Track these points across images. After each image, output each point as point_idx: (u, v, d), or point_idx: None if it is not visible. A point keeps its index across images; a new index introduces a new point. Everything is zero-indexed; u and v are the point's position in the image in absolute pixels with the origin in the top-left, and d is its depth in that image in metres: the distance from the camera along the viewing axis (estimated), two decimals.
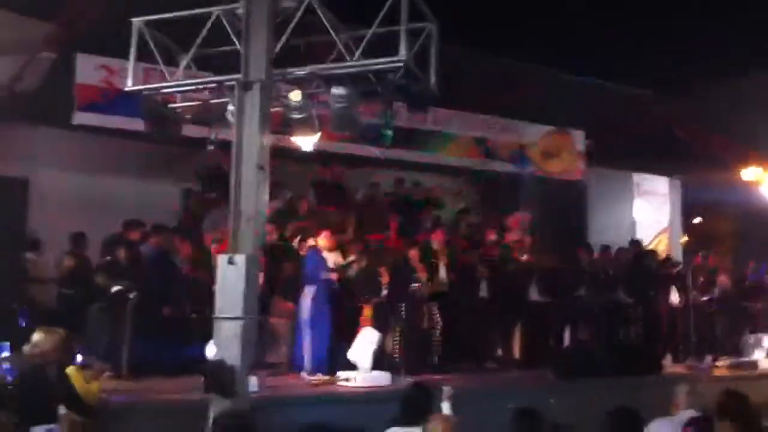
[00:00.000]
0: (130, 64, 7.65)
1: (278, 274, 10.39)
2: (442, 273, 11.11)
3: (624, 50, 12.47)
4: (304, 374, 9.65)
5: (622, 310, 12.98)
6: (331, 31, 7.00)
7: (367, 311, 10.79)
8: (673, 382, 6.99)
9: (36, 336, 6.39)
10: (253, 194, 6.63)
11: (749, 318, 14.23)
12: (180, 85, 7.48)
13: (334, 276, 10.19)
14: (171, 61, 7.78)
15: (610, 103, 14.14)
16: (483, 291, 11.77)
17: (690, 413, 5.38)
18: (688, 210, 17.99)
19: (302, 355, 9.89)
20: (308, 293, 9.90)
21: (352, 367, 9.42)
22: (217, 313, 6.63)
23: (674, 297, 13.58)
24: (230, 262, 6.51)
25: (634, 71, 13.30)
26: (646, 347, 12.69)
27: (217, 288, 6.68)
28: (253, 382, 7.46)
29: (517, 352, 12.23)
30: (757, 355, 13.09)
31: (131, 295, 9.13)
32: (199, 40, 7.35)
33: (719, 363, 13.13)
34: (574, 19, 12.12)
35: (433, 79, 7.18)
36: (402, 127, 12.00)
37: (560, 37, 12.33)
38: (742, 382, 9.84)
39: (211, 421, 5.93)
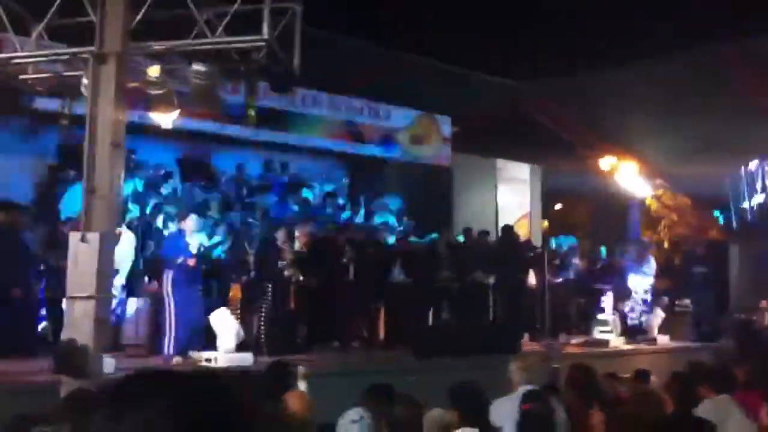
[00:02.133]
0: None
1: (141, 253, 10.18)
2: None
3: (488, 40, 12.79)
4: (168, 357, 9.48)
5: (483, 291, 13.39)
6: (192, 6, 6.86)
7: (236, 292, 10.73)
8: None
9: None
10: (107, 171, 6.45)
11: (600, 298, 15.02)
12: (31, 56, 7.15)
13: (191, 261, 9.76)
14: (24, 31, 7.43)
15: (475, 91, 14.53)
16: (349, 273, 11.90)
17: (526, 389, 5.59)
18: (547, 196, 18.74)
19: (165, 337, 9.71)
20: (167, 276, 9.71)
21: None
22: (69, 293, 6.43)
23: (531, 279, 14.15)
24: (82, 240, 6.33)
25: (497, 61, 13.68)
26: (505, 327, 13.15)
27: (69, 267, 6.47)
28: (109, 363, 7.28)
29: (381, 333, 12.45)
30: (607, 333, 13.85)
31: None
32: (53, 9, 7.04)
33: (572, 341, 13.83)
34: (443, 7, 12.33)
35: (296, 60, 7.16)
36: (270, 108, 11.96)
37: (427, 24, 12.52)
38: (593, 359, 10.38)
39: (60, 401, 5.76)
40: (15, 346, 8.70)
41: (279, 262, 10.71)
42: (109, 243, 6.44)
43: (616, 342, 13.73)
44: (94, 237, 6.31)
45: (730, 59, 13.06)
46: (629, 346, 13.84)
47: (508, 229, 14.97)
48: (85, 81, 6.80)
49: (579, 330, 14.72)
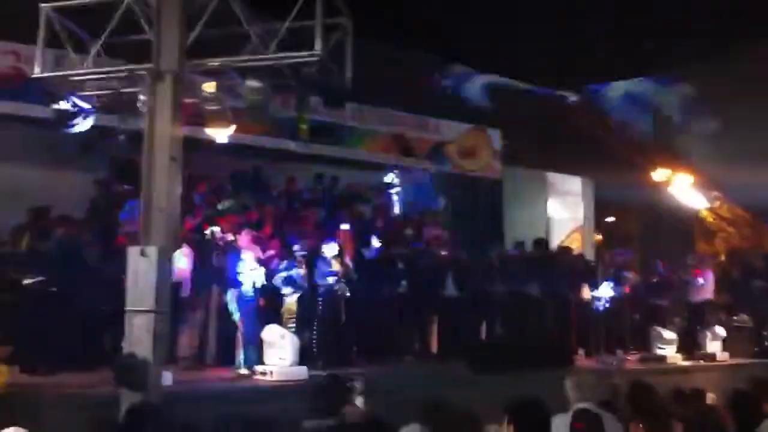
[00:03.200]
0: (38, 50, 7.44)
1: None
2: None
3: (537, 51, 12.73)
4: (239, 369, 9.64)
5: (535, 305, 13.23)
6: (245, 23, 6.94)
7: (289, 305, 10.77)
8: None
9: None
10: (164, 185, 6.54)
11: (656, 313, 14.72)
12: (89, 73, 7.29)
13: (257, 273, 10.00)
14: (82, 49, 7.59)
15: (525, 103, 14.44)
16: (402, 286, 11.87)
17: (579, 406, 5.45)
18: (600, 208, 18.49)
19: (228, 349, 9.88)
20: (231, 292, 9.88)
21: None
22: (129, 306, 6.52)
23: (585, 292, 13.93)
24: (142, 254, 6.41)
25: (546, 72, 13.59)
26: (558, 341, 12.98)
27: (128, 281, 6.56)
28: (167, 375, 7.36)
29: (434, 346, 12.39)
30: (664, 349, 13.56)
31: (51, 289, 8.87)
32: (110, 28, 7.18)
33: (629, 357, 13.56)
34: (492, 19, 12.30)
35: (348, 74, 7.19)
36: (321, 122, 12.03)
37: (476, 37, 12.50)
38: (651, 375, 10.13)
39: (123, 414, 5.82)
40: (79, 359, 8.88)
41: (330, 277, 10.74)
42: (167, 257, 6.52)
43: (674, 358, 13.45)
44: (152, 251, 6.40)
45: None
46: (688, 363, 13.54)
47: (540, 242, 14.76)
48: (142, 97, 6.91)
49: (634, 345, 14.45)
